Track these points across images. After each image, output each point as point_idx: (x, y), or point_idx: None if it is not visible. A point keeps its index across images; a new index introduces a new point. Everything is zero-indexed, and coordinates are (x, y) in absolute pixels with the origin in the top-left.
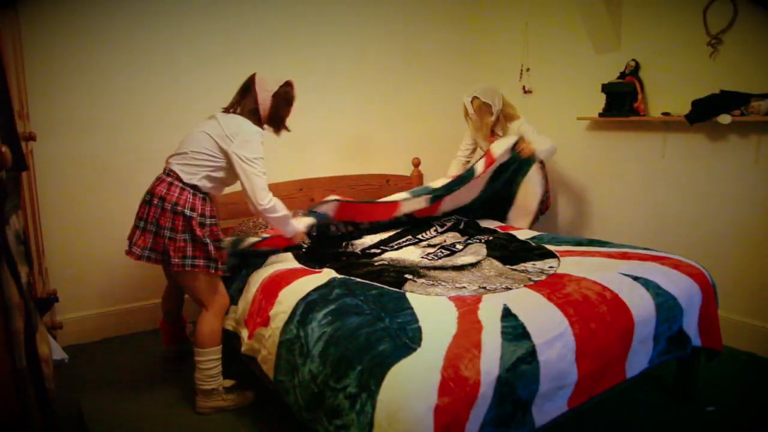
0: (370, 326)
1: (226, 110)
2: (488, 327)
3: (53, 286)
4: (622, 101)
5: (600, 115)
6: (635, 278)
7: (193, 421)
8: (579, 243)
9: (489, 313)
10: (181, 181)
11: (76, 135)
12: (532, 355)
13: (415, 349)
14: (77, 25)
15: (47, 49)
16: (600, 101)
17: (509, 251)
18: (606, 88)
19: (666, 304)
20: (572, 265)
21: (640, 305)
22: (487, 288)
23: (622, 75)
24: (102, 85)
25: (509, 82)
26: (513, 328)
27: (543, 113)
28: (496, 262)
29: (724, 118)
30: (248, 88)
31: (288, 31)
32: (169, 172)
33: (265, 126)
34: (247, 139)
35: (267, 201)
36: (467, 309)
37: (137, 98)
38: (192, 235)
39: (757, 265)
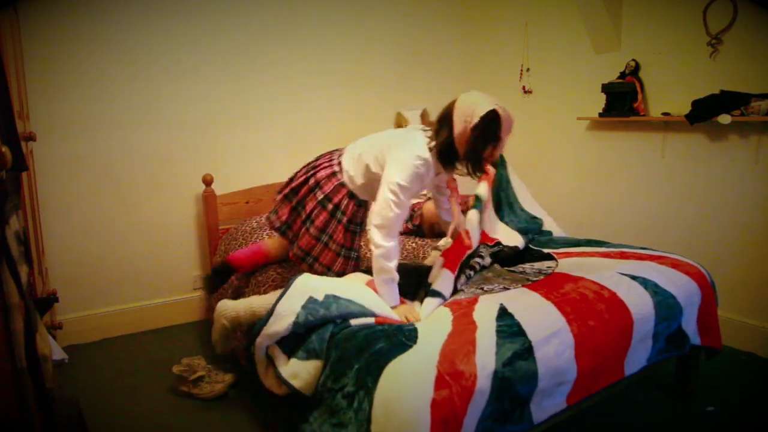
0: (368, 328)
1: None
2: (483, 326)
3: (53, 286)
4: (622, 101)
5: (600, 115)
6: (633, 277)
7: (193, 421)
8: (576, 244)
9: (484, 313)
10: (343, 174)
11: (76, 135)
12: (528, 351)
13: (410, 346)
14: (77, 26)
15: (47, 49)
16: (600, 101)
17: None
18: (606, 88)
19: (664, 303)
20: (570, 265)
21: (639, 304)
22: (485, 289)
23: (622, 75)
24: (102, 85)
25: (509, 82)
26: (508, 327)
27: (543, 113)
28: (494, 264)
29: (724, 118)
30: (447, 116)
31: (288, 30)
32: (339, 161)
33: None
34: (401, 158)
35: (380, 238)
36: (462, 312)
37: (137, 98)
38: (327, 236)
39: (757, 265)
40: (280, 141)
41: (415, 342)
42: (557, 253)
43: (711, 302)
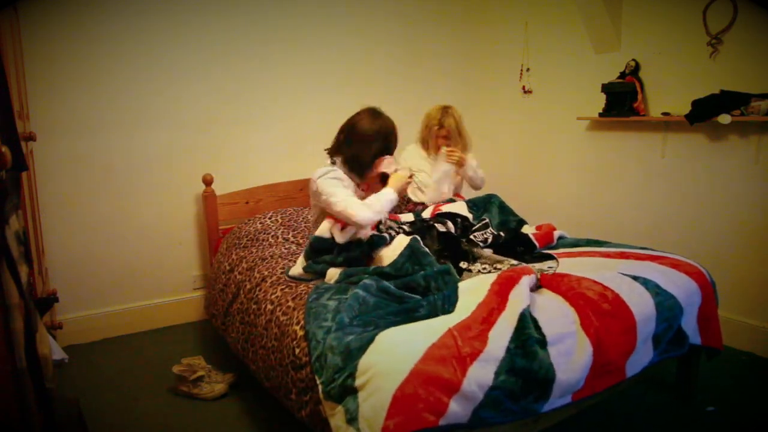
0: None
1: None
2: (510, 309)
3: (53, 286)
4: (622, 101)
5: (600, 115)
6: (635, 277)
7: (194, 421)
8: (576, 244)
9: (521, 292)
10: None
11: (76, 135)
12: (542, 343)
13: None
14: (77, 26)
15: (47, 49)
16: (600, 101)
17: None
18: (606, 88)
19: (665, 303)
20: (571, 265)
21: (640, 304)
22: None
23: (622, 75)
24: (102, 85)
25: (509, 82)
26: (531, 315)
27: (543, 113)
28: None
29: (724, 118)
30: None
31: (288, 31)
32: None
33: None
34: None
35: (358, 218)
36: (502, 282)
37: (137, 98)
38: None
39: (757, 265)
40: (281, 141)
41: (452, 310)
42: (557, 253)
43: (711, 302)
